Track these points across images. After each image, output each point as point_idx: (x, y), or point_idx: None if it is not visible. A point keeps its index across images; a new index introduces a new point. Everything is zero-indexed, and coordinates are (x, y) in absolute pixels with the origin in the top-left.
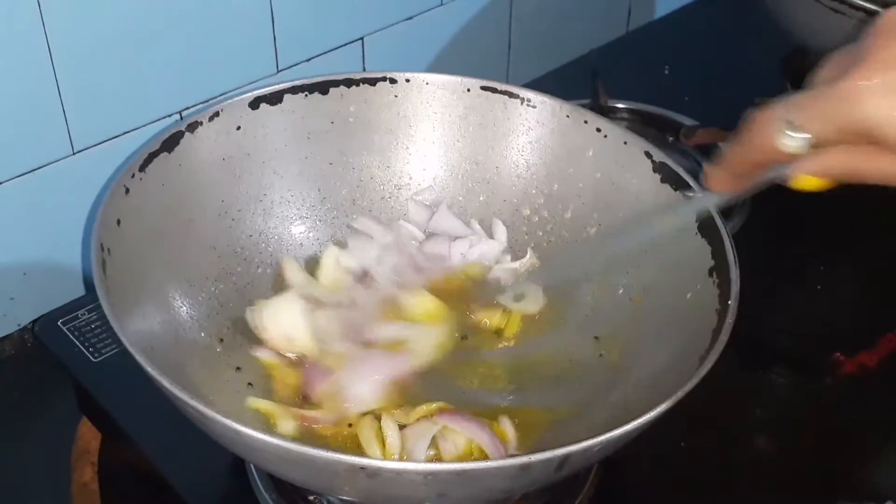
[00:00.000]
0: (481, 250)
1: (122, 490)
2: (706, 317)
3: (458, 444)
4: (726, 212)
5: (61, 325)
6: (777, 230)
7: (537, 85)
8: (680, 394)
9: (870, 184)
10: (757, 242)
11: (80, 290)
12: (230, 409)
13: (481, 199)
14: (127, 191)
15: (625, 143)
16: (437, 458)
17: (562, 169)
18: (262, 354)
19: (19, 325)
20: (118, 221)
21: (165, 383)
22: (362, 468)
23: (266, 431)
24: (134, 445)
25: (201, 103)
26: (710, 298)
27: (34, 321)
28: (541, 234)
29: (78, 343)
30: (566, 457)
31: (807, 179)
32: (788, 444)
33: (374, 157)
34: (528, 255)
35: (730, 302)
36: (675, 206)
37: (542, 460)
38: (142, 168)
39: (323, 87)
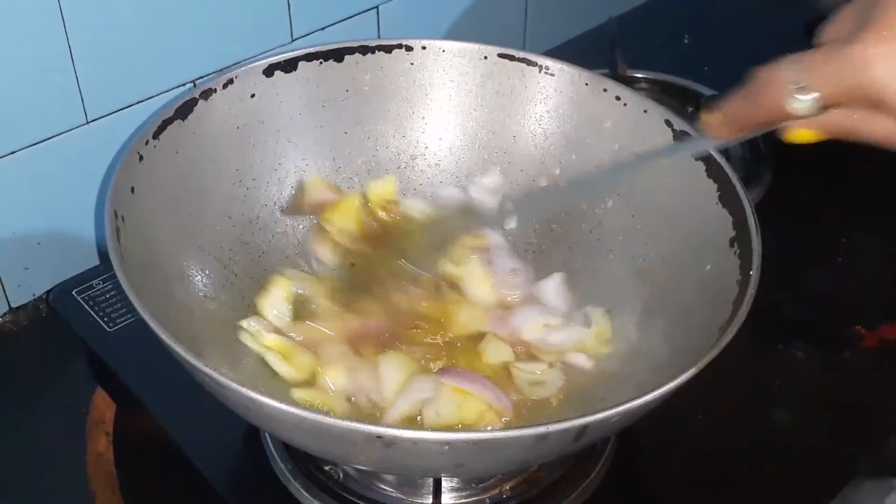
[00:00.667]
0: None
1: (136, 459)
2: (726, 288)
3: (440, 412)
4: (747, 181)
5: (76, 295)
6: (798, 201)
7: (554, 54)
8: (700, 365)
9: (864, 143)
10: (778, 214)
11: (94, 260)
12: (245, 377)
13: (498, 169)
14: (141, 158)
15: (644, 111)
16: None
17: (580, 138)
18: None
19: (34, 296)
20: (132, 189)
21: (181, 351)
22: (379, 437)
23: (282, 400)
24: (149, 415)
25: (215, 72)
26: (731, 269)
27: (49, 291)
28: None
29: (92, 313)
30: (584, 427)
31: (800, 133)
32: (806, 418)
33: (390, 125)
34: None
35: (751, 272)
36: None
37: (560, 430)
38: (155, 135)
39: (338, 55)
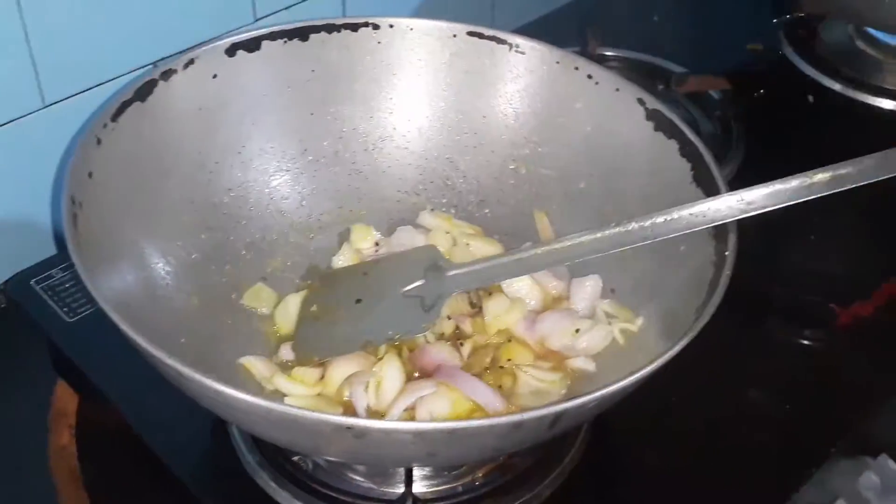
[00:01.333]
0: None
1: (100, 452)
2: (703, 269)
3: (433, 412)
4: (719, 158)
5: (34, 285)
6: (770, 178)
7: (524, 32)
8: (675, 349)
9: None
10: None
11: (52, 249)
12: (210, 368)
13: (468, 151)
14: (99, 141)
15: (617, 90)
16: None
17: (552, 118)
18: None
19: None
20: (90, 174)
21: (141, 341)
22: (349, 428)
23: (249, 392)
24: (112, 407)
25: (177, 53)
26: (706, 250)
27: (6, 280)
28: (530, 187)
29: (52, 303)
30: (560, 414)
31: None
32: (781, 397)
33: (357, 107)
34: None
35: (727, 254)
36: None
37: (536, 418)
38: (114, 118)
39: (303, 34)
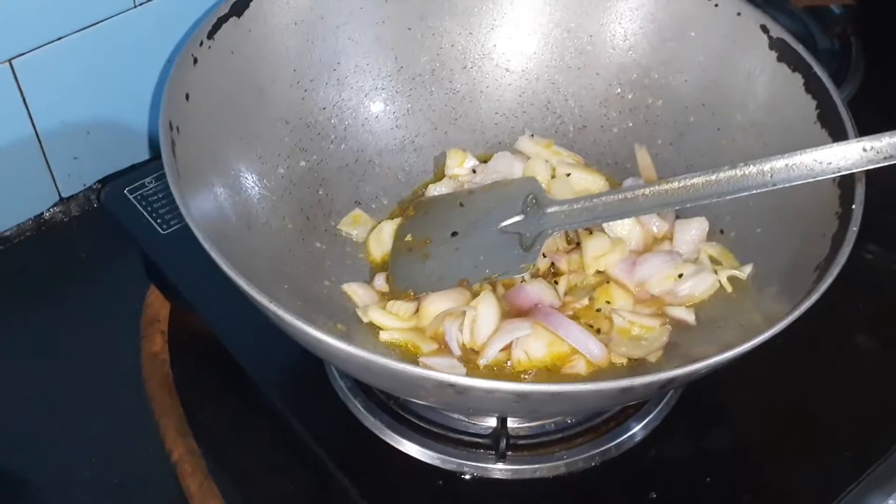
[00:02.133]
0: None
1: (192, 361)
2: (823, 220)
3: (529, 353)
4: (836, 77)
5: (128, 195)
6: (890, 96)
7: None
8: (799, 311)
9: None
10: (871, 115)
11: (144, 152)
12: (307, 295)
13: (572, 72)
14: (195, 61)
15: (738, 14)
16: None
17: (664, 41)
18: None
19: (84, 185)
20: (186, 96)
21: (251, 290)
22: (451, 385)
23: (349, 341)
24: (204, 320)
25: None
26: (829, 199)
27: (100, 181)
28: (636, 116)
29: (146, 214)
30: (670, 380)
31: None
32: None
33: (456, 21)
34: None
35: (853, 207)
36: None
37: (644, 384)
38: (210, 35)
39: None
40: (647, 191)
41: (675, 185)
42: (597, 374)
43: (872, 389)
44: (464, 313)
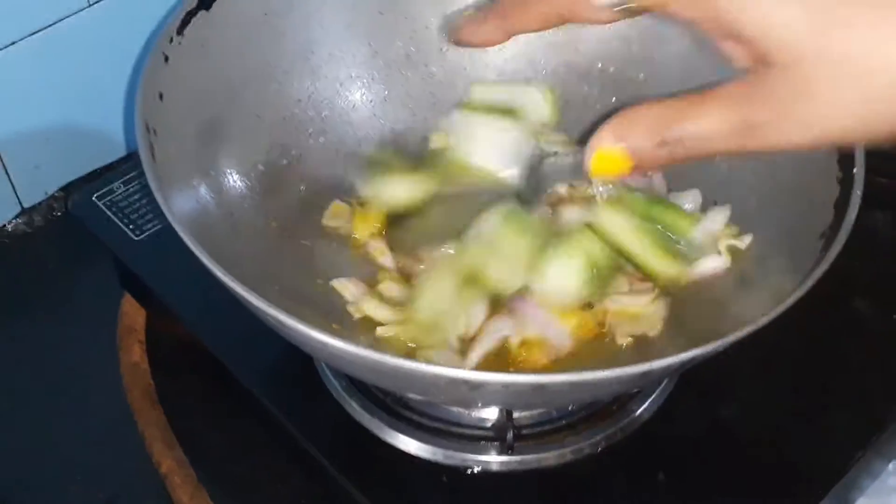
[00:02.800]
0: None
1: (174, 369)
2: (824, 188)
3: (526, 338)
4: None
5: (97, 201)
6: None
7: None
8: (807, 284)
9: None
10: None
11: (108, 156)
12: (298, 295)
13: (552, 49)
14: (166, 59)
15: None
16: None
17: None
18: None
19: (46, 194)
20: (160, 95)
21: (244, 293)
22: (465, 381)
23: (343, 338)
24: (185, 326)
25: None
26: (828, 164)
27: (62, 188)
28: (618, 93)
29: (117, 220)
30: (690, 360)
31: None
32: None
33: (429, 5)
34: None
35: (855, 170)
36: None
37: (664, 366)
38: (179, 31)
39: None
40: None
41: None
42: (604, 359)
43: (876, 355)
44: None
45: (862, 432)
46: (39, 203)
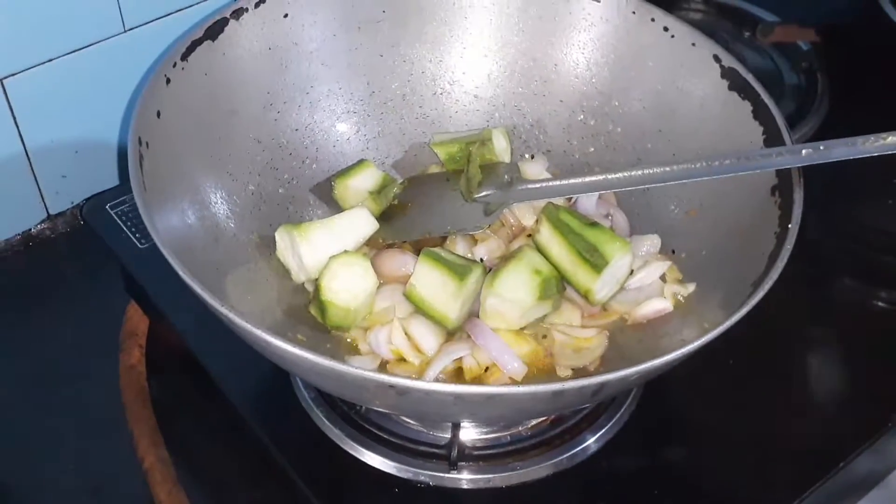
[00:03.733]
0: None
1: (168, 374)
2: (764, 239)
3: (480, 361)
4: (801, 112)
5: (109, 209)
6: (853, 132)
7: None
8: (728, 323)
9: None
10: None
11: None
12: (267, 309)
13: (537, 99)
14: (168, 81)
15: (693, 44)
16: (457, 369)
17: (624, 70)
18: None
19: (72, 203)
20: (158, 113)
21: (197, 288)
22: (391, 386)
23: (297, 345)
24: (177, 332)
25: None
26: (770, 219)
27: (88, 199)
28: (597, 140)
29: (125, 228)
30: (602, 385)
31: None
32: (843, 362)
33: (427, 49)
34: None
35: (790, 226)
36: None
37: (577, 388)
38: (184, 57)
39: None
40: (609, 175)
41: (637, 172)
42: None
43: (822, 404)
44: (392, 322)
45: (808, 476)
46: (64, 211)
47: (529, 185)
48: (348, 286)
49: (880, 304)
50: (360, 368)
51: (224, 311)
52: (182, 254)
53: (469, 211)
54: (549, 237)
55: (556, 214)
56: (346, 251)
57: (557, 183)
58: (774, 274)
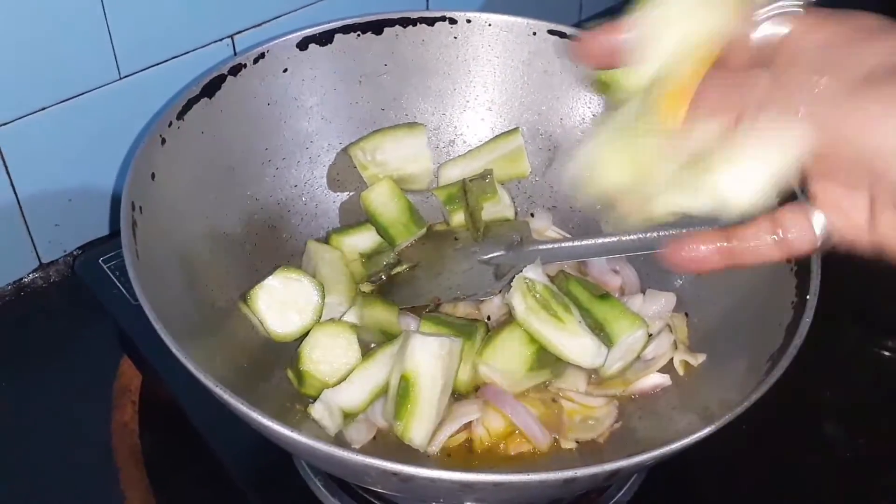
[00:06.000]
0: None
1: (161, 432)
2: (780, 308)
3: (491, 430)
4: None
5: (102, 264)
6: None
7: (617, 11)
8: (745, 404)
9: None
10: None
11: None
12: (266, 385)
13: (542, 154)
14: (163, 141)
15: None
16: (467, 440)
17: None
18: None
19: (65, 252)
20: (152, 175)
21: (201, 376)
22: (394, 474)
23: (299, 431)
24: (172, 394)
25: (254, 27)
26: (787, 288)
27: (81, 248)
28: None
29: (118, 283)
30: (615, 471)
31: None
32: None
33: (430, 103)
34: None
35: (808, 297)
36: None
37: (589, 475)
38: (180, 116)
39: (376, 27)
40: (623, 237)
41: (652, 234)
42: (545, 460)
43: (839, 475)
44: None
45: None
46: (57, 260)
47: (542, 247)
48: (329, 358)
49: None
50: (361, 454)
51: (229, 399)
52: (175, 322)
53: (479, 274)
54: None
55: (566, 285)
56: (332, 320)
57: (570, 244)
58: (793, 350)
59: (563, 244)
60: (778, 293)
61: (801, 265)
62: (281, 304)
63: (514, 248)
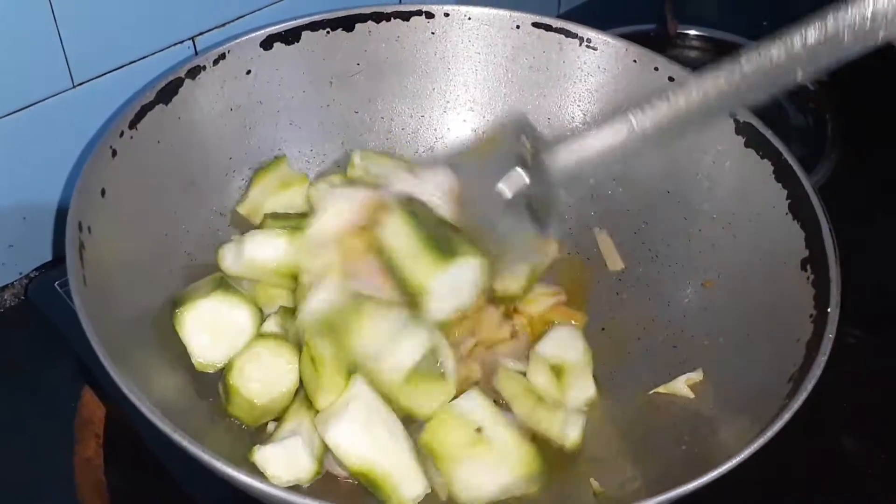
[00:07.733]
0: None
1: (127, 466)
2: (796, 323)
3: None
4: (811, 158)
5: (57, 288)
6: (867, 180)
7: (597, 8)
8: (767, 435)
9: None
10: (846, 197)
11: None
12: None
13: None
14: (114, 153)
15: None
16: None
17: None
18: None
19: (21, 274)
20: (102, 192)
21: (157, 421)
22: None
23: (258, 478)
24: (139, 428)
25: (217, 27)
26: (803, 299)
27: (38, 269)
28: (597, 202)
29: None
30: None
31: None
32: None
33: (407, 104)
34: None
35: (829, 310)
36: None
37: None
38: (132, 124)
39: (347, 23)
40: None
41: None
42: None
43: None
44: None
45: None
46: (12, 283)
47: (564, 148)
48: (264, 377)
49: None
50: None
51: (188, 445)
52: (126, 351)
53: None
54: (399, 224)
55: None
56: (275, 335)
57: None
58: (817, 370)
59: (587, 138)
60: (793, 305)
61: (818, 274)
62: (212, 328)
63: (533, 162)
